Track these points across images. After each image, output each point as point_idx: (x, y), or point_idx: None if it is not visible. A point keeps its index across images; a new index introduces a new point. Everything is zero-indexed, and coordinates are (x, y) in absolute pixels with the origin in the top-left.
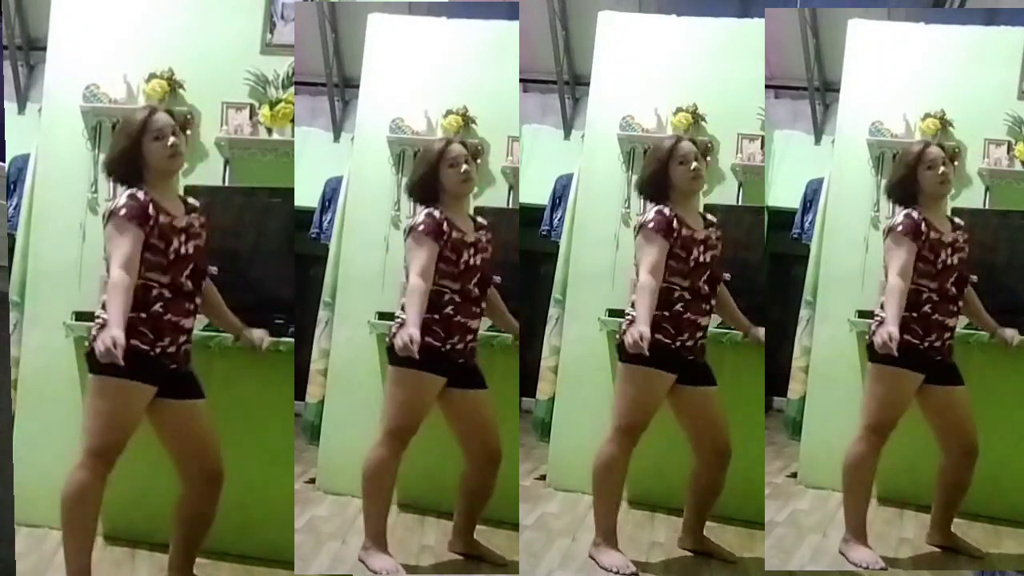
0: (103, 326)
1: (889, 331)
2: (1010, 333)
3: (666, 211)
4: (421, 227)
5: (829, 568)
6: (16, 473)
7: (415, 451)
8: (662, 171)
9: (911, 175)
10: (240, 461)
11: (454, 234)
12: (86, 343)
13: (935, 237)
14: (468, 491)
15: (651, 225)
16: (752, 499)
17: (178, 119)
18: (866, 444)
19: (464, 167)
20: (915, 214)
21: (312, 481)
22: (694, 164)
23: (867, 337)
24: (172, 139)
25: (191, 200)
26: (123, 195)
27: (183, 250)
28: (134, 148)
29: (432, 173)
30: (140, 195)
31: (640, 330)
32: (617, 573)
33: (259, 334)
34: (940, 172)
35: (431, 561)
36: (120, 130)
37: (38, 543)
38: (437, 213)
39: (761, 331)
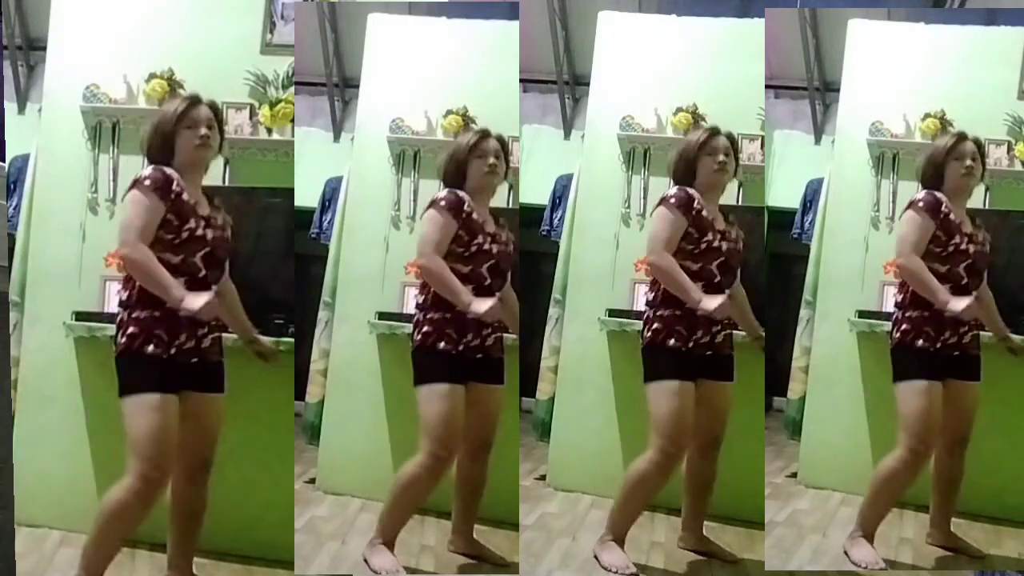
0: (136, 321)
1: (952, 307)
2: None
3: (690, 190)
4: (443, 202)
5: (829, 568)
6: (16, 473)
7: (414, 451)
8: (691, 160)
9: (940, 164)
10: (240, 461)
11: (474, 215)
12: (115, 355)
13: (954, 220)
14: (461, 482)
15: (672, 200)
16: (752, 499)
17: (218, 114)
18: (905, 465)
19: (491, 160)
20: (938, 194)
21: (312, 481)
22: (721, 157)
23: (893, 346)
24: (204, 130)
25: (216, 201)
26: (149, 167)
27: (199, 232)
28: (169, 134)
29: (461, 163)
30: (167, 170)
31: (703, 307)
32: (617, 573)
33: (269, 344)
34: (966, 164)
35: (431, 561)
36: (160, 116)
37: (38, 543)
38: (460, 193)
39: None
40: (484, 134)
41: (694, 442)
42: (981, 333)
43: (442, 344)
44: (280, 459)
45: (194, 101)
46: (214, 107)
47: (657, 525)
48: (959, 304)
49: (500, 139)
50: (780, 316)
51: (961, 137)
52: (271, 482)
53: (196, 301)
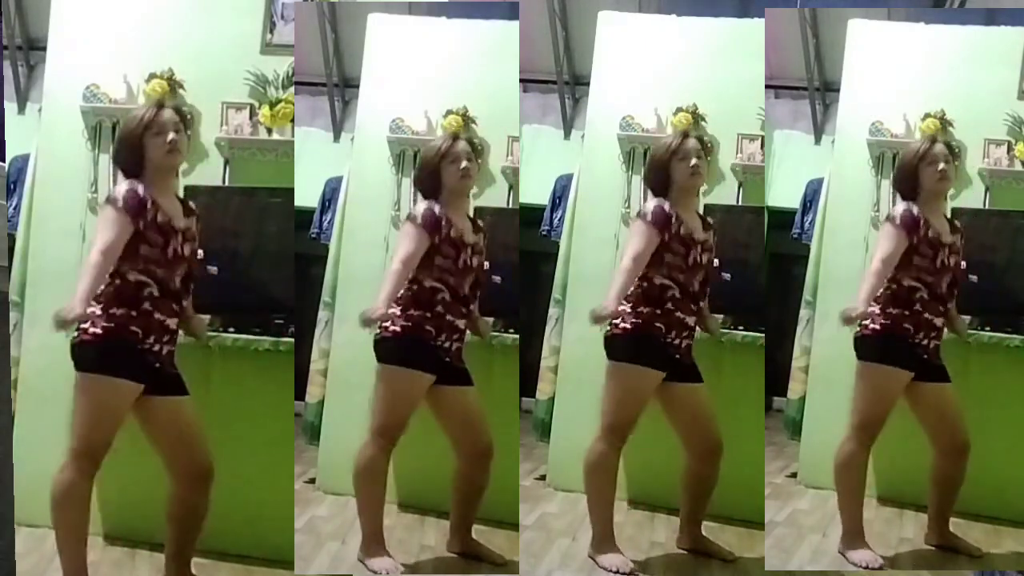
0: (112, 317)
1: (855, 310)
2: (962, 325)
3: (666, 207)
4: (419, 219)
5: (829, 568)
6: (16, 473)
7: (414, 451)
8: (664, 166)
9: (913, 169)
10: (240, 461)
11: (452, 232)
12: (73, 339)
13: (933, 236)
14: (461, 489)
15: (649, 217)
16: (752, 499)
17: (183, 116)
18: (855, 443)
19: (464, 164)
20: (915, 210)
21: (312, 481)
22: (694, 160)
23: (861, 335)
24: (171, 135)
25: (191, 203)
26: (124, 184)
27: (180, 251)
28: (136, 141)
29: (434, 168)
30: (140, 190)
31: (605, 305)
32: (616, 572)
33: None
34: (939, 169)
35: (431, 561)
36: (126, 123)
37: (38, 543)
38: (437, 208)
39: (715, 320)
40: (454, 137)
41: (691, 449)
42: (977, 333)
43: (414, 335)
44: (280, 459)
45: (159, 106)
46: (179, 110)
47: (657, 525)
48: (853, 311)
49: (471, 141)
50: (780, 316)
51: (932, 140)
52: (271, 482)
53: (71, 312)
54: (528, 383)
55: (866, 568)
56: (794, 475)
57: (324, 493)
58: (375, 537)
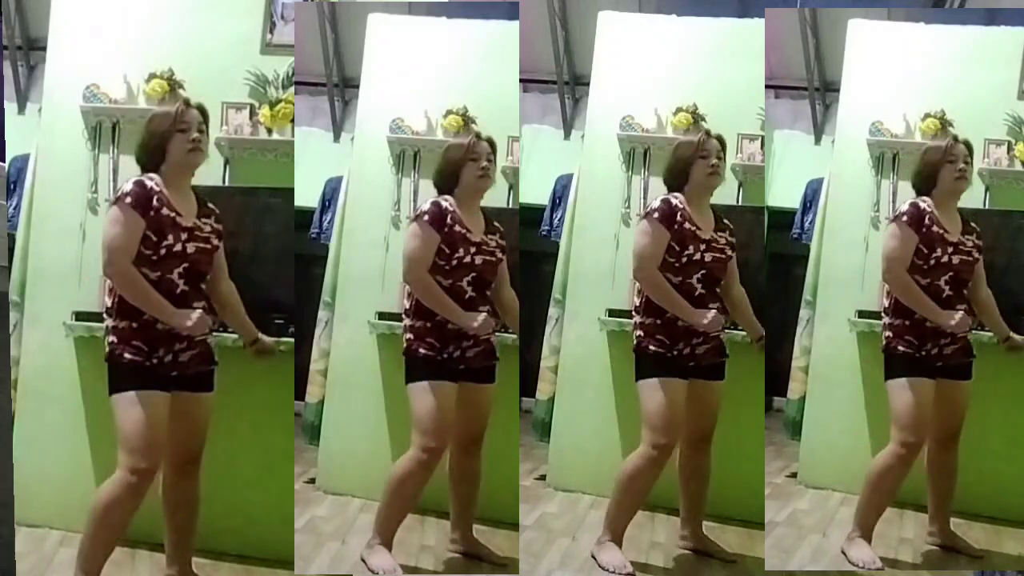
0: (115, 330)
1: (946, 322)
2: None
3: (673, 201)
4: (426, 216)
5: (829, 568)
6: (16, 473)
7: None
8: (685, 165)
9: (934, 169)
10: (240, 461)
11: (457, 227)
12: (104, 357)
13: (937, 232)
14: (455, 478)
15: (655, 214)
16: (752, 499)
17: (206, 116)
18: (897, 458)
19: (484, 163)
20: (922, 204)
21: (312, 481)
22: (714, 160)
23: (883, 349)
24: (195, 133)
25: (210, 205)
26: (131, 181)
27: (177, 247)
28: (163, 136)
29: (455, 167)
30: (148, 183)
31: (698, 319)
32: (615, 573)
33: (271, 341)
34: (959, 168)
35: (431, 561)
36: (151, 119)
37: (38, 543)
38: (444, 203)
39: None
40: (478, 135)
41: (684, 438)
42: (976, 334)
43: (423, 350)
44: (280, 459)
45: (186, 104)
46: (202, 110)
47: (657, 525)
48: (951, 320)
49: (490, 141)
50: (780, 316)
51: (955, 139)
52: (271, 482)
53: (186, 320)
54: (528, 383)
55: (865, 568)
56: (794, 475)
57: (324, 493)
58: (386, 540)
